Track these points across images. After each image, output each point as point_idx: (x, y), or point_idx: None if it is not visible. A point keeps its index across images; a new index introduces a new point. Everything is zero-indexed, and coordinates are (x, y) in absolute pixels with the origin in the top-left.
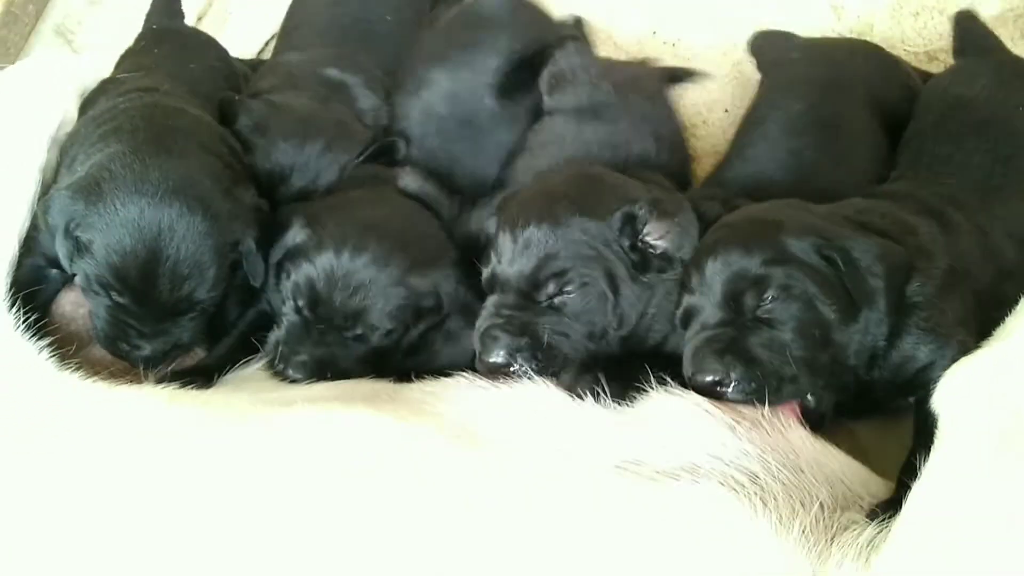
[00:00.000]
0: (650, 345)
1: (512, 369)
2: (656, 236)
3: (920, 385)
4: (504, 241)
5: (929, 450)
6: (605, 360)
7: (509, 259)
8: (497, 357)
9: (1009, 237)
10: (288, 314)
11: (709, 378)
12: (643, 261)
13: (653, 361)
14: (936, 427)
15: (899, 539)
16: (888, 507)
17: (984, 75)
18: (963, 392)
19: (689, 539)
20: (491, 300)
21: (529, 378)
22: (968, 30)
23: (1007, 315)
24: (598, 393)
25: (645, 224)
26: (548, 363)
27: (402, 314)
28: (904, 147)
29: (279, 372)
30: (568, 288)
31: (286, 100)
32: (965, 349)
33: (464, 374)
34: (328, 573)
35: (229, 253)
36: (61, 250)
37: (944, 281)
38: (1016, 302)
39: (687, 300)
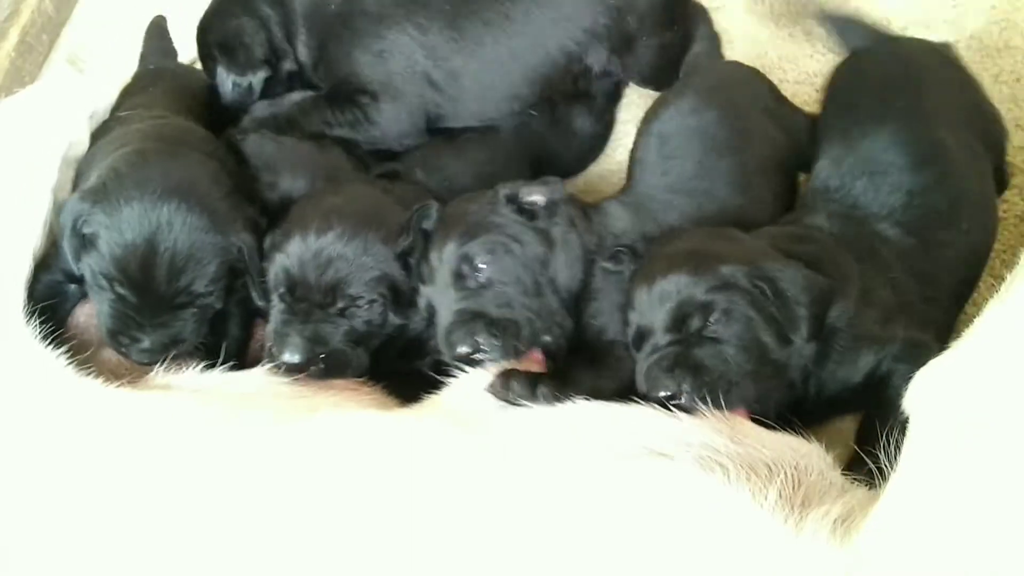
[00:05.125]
0: (577, 299)
1: (479, 354)
2: (531, 195)
3: (871, 389)
4: (430, 259)
5: (887, 421)
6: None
7: (435, 265)
8: (463, 348)
9: (941, 224)
10: (274, 306)
11: (662, 394)
12: (531, 215)
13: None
14: (907, 422)
15: (879, 523)
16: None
17: (890, 55)
18: (931, 389)
19: (667, 514)
20: (436, 306)
21: (495, 357)
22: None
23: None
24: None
25: (519, 190)
26: (504, 335)
27: (378, 285)
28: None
29: (275, 360)
30: (480, 264)
31: (282, 137)
32: (903, 340)
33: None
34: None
35: (227, 252)
36: (69, 249)
37: (861, 296)
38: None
39: (636, 321)
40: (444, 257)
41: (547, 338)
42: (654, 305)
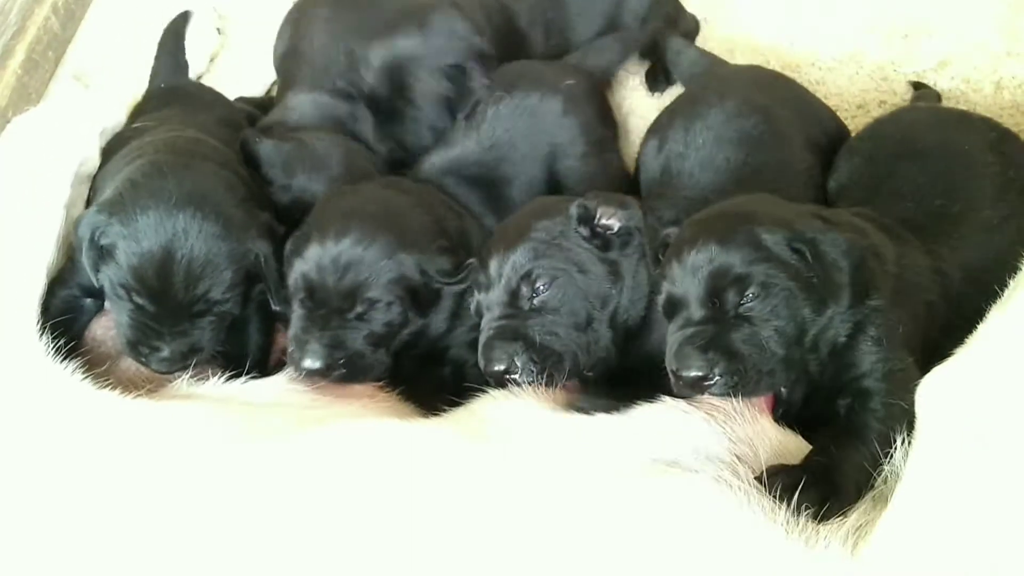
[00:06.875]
0: (632, 334)
1: (514, 374)
2: (608, 217)
3: (853, 390)
4: (488, 263)
5: (861, 442)
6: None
7: (495, 274)
8: (499, 365)
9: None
10: (294, 312)
11: (693, 374)
12: (604, 243)
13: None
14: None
15: (887, 532)
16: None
17: (939, 119)
18: (936, 396)
19: (684, 531)
20: (486, 316)
21: (530, 380)
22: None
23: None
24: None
25: (596, 210)
26: (544, 362)
27: (396, 287)
28: (849, 180)
29: (295, 366)
30: (539, 286)
31: (305, 137)
32: (898, 371)
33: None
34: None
35: (243, 259)
36: (87, 261)
37: (897, 287)
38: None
39: (669, 290)
40: (504, 270)
41: (588, 374)
42: (688, 273)
